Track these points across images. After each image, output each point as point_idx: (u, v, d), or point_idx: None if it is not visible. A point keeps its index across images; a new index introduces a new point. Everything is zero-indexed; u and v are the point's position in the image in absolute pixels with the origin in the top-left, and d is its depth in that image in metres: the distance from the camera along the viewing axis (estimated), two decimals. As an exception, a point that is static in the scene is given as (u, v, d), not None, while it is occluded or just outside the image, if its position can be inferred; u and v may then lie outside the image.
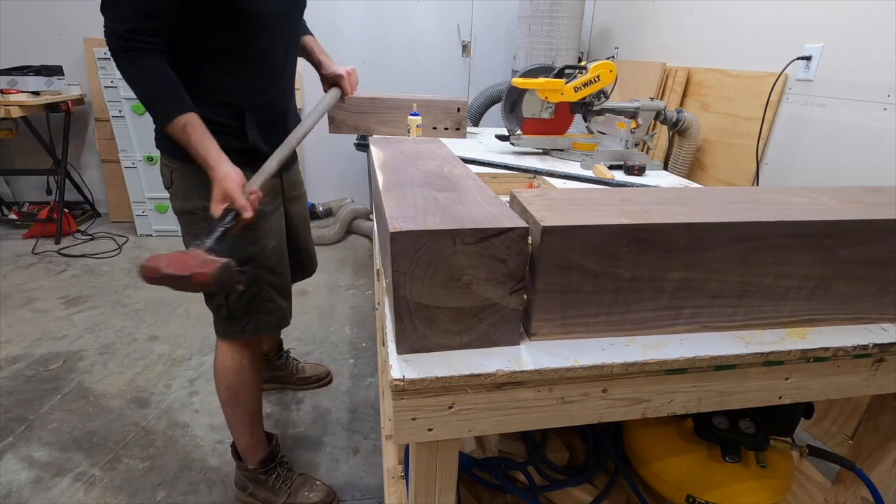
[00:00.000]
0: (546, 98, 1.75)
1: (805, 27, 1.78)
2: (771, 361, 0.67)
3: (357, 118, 2.04)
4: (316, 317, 2.43)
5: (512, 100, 1.92)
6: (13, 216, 3.42)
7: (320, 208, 3.63)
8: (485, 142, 2.16)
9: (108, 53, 3.10)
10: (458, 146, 1.96)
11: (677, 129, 1.97)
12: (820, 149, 1.73)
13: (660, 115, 1.83)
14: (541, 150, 1.96)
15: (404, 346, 0.61)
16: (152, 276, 0.87)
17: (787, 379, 0.70)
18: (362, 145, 2.30)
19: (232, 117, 1.13)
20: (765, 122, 1.87)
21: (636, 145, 1.79)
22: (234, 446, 1.41)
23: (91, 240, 3.24)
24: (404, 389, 0.57)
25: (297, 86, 2.82)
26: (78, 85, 3.35)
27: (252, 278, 1.20)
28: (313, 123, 1.22)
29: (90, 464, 1.54)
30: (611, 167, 1.70)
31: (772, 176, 1.93)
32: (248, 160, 1.13)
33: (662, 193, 0.75)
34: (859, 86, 1.59)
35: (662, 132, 2.36)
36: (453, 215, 0.60)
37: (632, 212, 0.64)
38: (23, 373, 1.94)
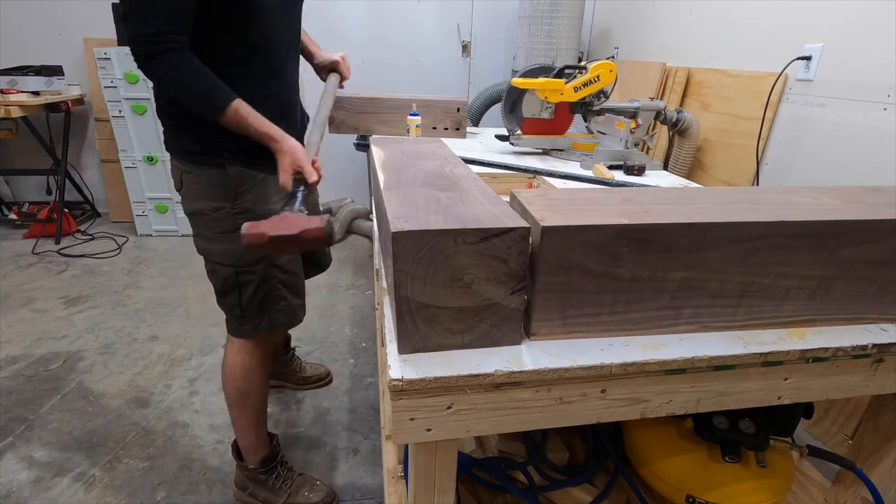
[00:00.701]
0: (546, 98, 1.75)
1: (805, 27, 1.78)
2: (770, 362, 0.67)
3: (357, 118, 2.04)
4: (316, 317, 2.43)
5: (512, 100, 1.92)
6: (13, 216, 3.43)
7: (320, 208, 3.63)
8: (485, 142, 2.16)
9: (108, 54, 3.09)
10: (458, 146, 1.96)
11: (677, 129, 1.97)
12: (820, 149, 1.73)
13: (660, 115, 1.83)
14: (541, 150, 1.96)
15: (406, 346, 0.61)
16: (260, 241, 0.84)
17: (786, 379, 0.69)
18: (362, 145, 2.30)
19: None
20: (765, 122, 1.87)
21: (636, 145, 1.79)
22: (234, 445, 1.41)
23: (91, 240, 3.25)
24: (402, 390, 0.57)
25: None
26: (78, 85, 3.35)
27: (263, 277, 1.21)
28: (329, 106, 1.26)
29: (90, 464, 1.54)
30: (611, 167, 1.70)
31: (772, 176, 1.93)
32: (258, 151, 1.13)
33: (663, 193, 0.75)
34: (859, 86, 1.59)
35: (662, 132, 2.36)
36: (455, 215, 0.60)
37: (632, 212, 0.64)
38: (23, 373, 1.94)
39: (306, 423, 1.75)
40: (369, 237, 3.45)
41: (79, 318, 2.34)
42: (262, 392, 1.35)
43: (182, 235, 3.34)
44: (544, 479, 1.14)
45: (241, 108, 1.03)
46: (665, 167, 2.08)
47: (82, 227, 3.42)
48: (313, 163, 1.08)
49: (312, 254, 1.50)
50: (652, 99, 1.87)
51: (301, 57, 1.37)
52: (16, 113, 2.88)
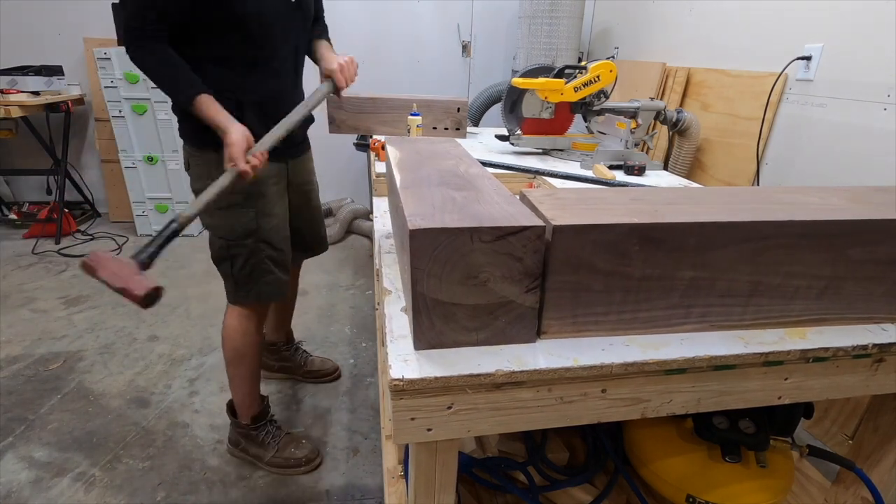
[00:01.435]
0: (546, 98, 1.76)
1: (805, 27, 1.78)
2: (770, 361, 0.67)
3: (357, 118, 2.04)
4: (316, 317, 2.43)
5: (512, 100, 1.92)
6: (13, 216, 3.42)
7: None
8: (485, 142, 2.16)
9: (108, 54, 3.09)
10: (458, 146, 1.96)
11: (677, 129, 1.97)
12: (820, 149, 1.73)
13: (660, 115, 1.83)
14: (541, 150, 1.96)
15: (421, 342, 0.62)
16: (89, 273, 0.97)
17: (786, 379, 0.70)
18: (362, 145, 2.30)
19: (231, 109, 1.19)
20: (765, 122, 1.87)
21: (636, 145, 1.79)
22: (230, 404, 1.56)
23: (91, 240, 3.25)
24: (403, 389, 0.57)
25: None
26: (78, 85, 3.35)
27: (252, 251, 1.34)
28: (301, 112, 1.26)
29: (90, 464, 1.54)
30: (611, 167, 1.70)
31: (772, 176, 1.93)
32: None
33: (672, 193, 0.75)
34: (859, 86, 1.59)
35: (662, 132, 2.36)
36: (471, 213, 0.60)
37: (643, 211, 0.64)
38: (23, 373, 1.94)
39: (306, 423, 1.75)
40: (369, 237, 3.45)
41: (79, 318, 2.34)
42: (256, 354, 1.48)
43: (182, 235, 3.34)
44: (544, 479, 1.15)
45: (206, 102, 1.14)
46: (665, 167, 2.08)
47: (82, 227, 3.42)
48: (254, 157, 1.14)
49: (303, 238, 1.58)
50: (652, 99, 1.87)
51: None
52: (16, 113, 2.88)
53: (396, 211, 0.77)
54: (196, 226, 3.34)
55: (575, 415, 0.65)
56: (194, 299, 2.50)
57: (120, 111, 3.03)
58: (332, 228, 3.39)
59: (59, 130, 3.26)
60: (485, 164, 1.64)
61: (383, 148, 1.79)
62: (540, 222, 0.59)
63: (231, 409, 1.56)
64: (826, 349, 0.67)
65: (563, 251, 0.60)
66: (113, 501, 1.42)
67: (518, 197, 0.71)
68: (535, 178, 1.62)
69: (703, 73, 2.27)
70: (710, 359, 0.64)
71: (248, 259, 1.34)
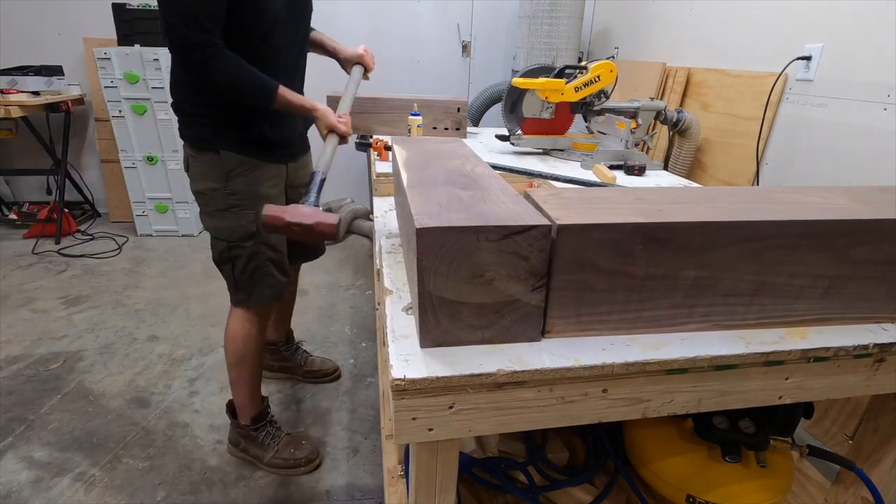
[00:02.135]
0: (546, 98, 1.76)
1: (805, 27, 1.78)
2: (771, 361, 0.67)
3: (357, 118, 2.04)
4: (316, 317, 2.43)
5: (512, 100, 1.92)
6: (13, 216, 3.42)
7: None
8: (485, 142, 2.16)
9: (108, 54, 3.09)
10: (459, 146, 1.96)
11: (677, 129, 1.98)
12: (820, 149, 1.73)
13: (660, 115, 1.83)
14: (541, 150, 1.96)
15: (427, 340, 0.62)
16: (278, 223, 0.98)
17: (787, 379, 0.70)
18: (362, 145, 2.30)
19: (244, 110, 1.23)
20: (765, 122, 1.87)
21: (636, 145, 1.79)
22: (229, 405, 1.56)
23: (91, 240, 3.24)
24: (405, 389, 0.57)
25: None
26: (78, 85, 3.35)
27: (252, 253, 1.35)
28: (354, 88, 1.38)
29: (90, 464, 1.54)
30: (611, 167, 1.70)
31: (772, 176, 1.93)
32: (259, 150, 1.30)
33: (675, 193, 0.75)
34: (859, 86, 1.59)
35: (662, 132, 2.36)
36: (477, 212, 0.61)
37: (647, 210, 0.64)
38: (23, 373, 1.94)
39: (306, 423, 1.75)
40: (369, 237, 3.45)
41: (79, 318, 2.34)
42: (258, 356, 1.49)
43: (182, 235, 3.34)
44: (544, 479, 1.15)
45: (284, 92, 1.20)
46: (665, 167, 2.08)
47: (82, 227, 3.42)
48: (342, 117, 1.27)
49: (305, 242, 1.60)
50: (652, 99, 1.87)
51: (322, 54, 1.52)
52: (16, 113, 2.88)
53: (403, 210, 0.77)
54: (196, 226, 3.34)
55: (576, 415, 0.65)
56: (194, 299, 2.50)
57: (120, 111, 3.03)
58: (332, 228, 3.39)
59: (59, 130, 3.26)
60: (485, 164, 1.64)
61: (386, 147, 1.80)
62: (546, 221, 0.59)
63: (231, 409, 1.56)
64: (827, 349, 0.68)
65: (567, 250, 0.60)
66: (113, 501, 1.42)
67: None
68: (535, 177, 1.62)
69: (703, 73, 2.27)
70: (711, 359, 0.64)
71: (248, 261, 1.35)
